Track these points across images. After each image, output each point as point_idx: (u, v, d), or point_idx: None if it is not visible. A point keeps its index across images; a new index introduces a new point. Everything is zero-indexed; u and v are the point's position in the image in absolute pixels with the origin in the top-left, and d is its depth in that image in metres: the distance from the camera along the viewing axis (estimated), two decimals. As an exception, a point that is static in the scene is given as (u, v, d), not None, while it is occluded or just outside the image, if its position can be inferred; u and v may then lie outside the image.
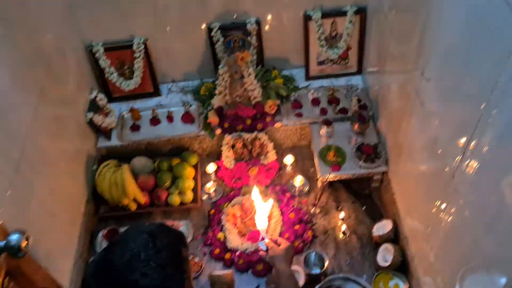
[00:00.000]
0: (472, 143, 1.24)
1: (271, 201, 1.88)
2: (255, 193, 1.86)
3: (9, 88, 1.56)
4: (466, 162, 1.29)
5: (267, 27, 2.30)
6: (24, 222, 1.49)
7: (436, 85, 1.48)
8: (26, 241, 1.09)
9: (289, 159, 2.26)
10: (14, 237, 1.07)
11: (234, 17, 2.23)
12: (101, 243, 2.06)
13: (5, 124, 1.49)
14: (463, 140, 1.29)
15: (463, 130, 1.28)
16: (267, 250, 1.66)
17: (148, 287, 0.85)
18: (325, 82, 2.44)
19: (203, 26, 2.26)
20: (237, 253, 1.97)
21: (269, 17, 2.26)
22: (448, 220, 1.47)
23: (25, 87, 1.68)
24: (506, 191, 1.08)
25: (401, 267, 1.89)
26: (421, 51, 1.57)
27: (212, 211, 2.14)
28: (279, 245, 1.65)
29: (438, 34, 1.43)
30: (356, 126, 2.15)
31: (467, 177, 1.29)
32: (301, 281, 1.86)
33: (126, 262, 0.87)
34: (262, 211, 1.79)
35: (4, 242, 1.07)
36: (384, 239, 1.94)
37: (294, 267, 1.90)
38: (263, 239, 1.68)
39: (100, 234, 2.08)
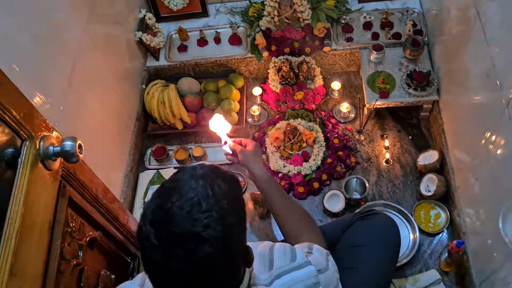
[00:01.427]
0: None
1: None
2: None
3: (60, 4, 1.58)
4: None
5: None
6: (77, 133, 1.57)
7: (500, 8, 1.37)
8: (79, 148, 1.15)
9: (336, 85, 2.21)
10: (67, 143, 1.13)
11: None
12: (150, 158, 2.15)
13: (57, 39, 1.53)
14: (506, 101, 1.21)
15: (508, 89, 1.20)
16: (233, 154, 1.51)
17: (211, 238, 0.82)
18: (380, 5, 2.31)
19: None
20: (280, 175, 2.01)
21: None
22: (497, 152, 1.42)
23: (75, 3, 1.69)
24: None
25: (443, 198, 1.88)
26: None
27: (256, 133, 2.17)
28: (245, 146, 1.50)
29: None
30: (408, 52, 2.05)
31: None
32: (342, 205, 1.90)
33: (186, 213, 0.83)
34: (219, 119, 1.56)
35: (59, 147, 1.14)
36: (429, 169, 1.92)
37: (335, 191, 1.92)
38: (226, 143, 1.51)
39: (149, 151, 2.17)
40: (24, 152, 1.07)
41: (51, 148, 1.14)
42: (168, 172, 2.08)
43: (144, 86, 2.24)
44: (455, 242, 1.60)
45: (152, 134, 2.23)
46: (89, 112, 1.74)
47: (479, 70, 1.56)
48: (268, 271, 1.08)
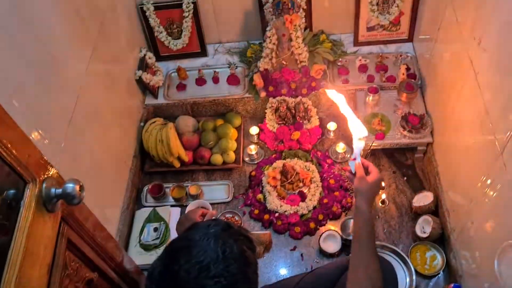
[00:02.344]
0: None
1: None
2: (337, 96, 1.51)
3: (65, 42, 1.62)
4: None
5: (317, -10, 2.25)
6: (76, 171, 1.58)
7: (493, 56, 1.43)
8: (80, 190, 1.15)
9: (332, 125, 2.25)
10: (70, 185, 1.14)
11: (285, -22, 2.19)
12: (146, 196, 2.15)
13: (61, 76, 1.55)
14: (509, 121, 1.25)
15: (502, 137, 1.24)
16: (354, 174, 1.39)
17: None
18: (374, 49, 2.38)
19: (253, -13, 2.24)
20: (276, 215, 2.02)
21: (320, -21, 2.21)
22: (493, 195, 1.44)
23: (80, 41, 1.73)
24: None
25: (439, 239, 1.89)
26: (479, 19, 1.51)
27: (253, 172, 2.19)
28: (368, 173, 1.38)
29: (499, 2, 1.37)
30: (403, 95, 2.11)
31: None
32: (338, 245, 1.90)
33: (194, 279, 0.81)
34: (358, 125, 1.43)
35: (61, 190, 1.15)
36: (424, 210, 1.93)
37: (332, 232, 1.93)
38: (354, 159, 1.39)
39: (146, 189, 2.17)
40: (27, 195, 1.08)
41: (53, 190, 1.14)
42: (164, 210, 2.08)
43: (142, 124, 2.26)
44: (451, 285, 1.61)
45: (149, 172, 2.24)
46: (88, 149, 1.75)
47: (472, 115, 1.60)
48: None
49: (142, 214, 2.09)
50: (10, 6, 1.30)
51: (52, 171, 1.20)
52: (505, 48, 1.34)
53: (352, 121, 1.44)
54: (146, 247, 1.98)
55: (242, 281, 0.84)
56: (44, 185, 1.13)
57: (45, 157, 1.18)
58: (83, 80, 1.71)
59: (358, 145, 1.41)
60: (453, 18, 1.76)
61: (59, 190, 1.15)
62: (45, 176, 1.15)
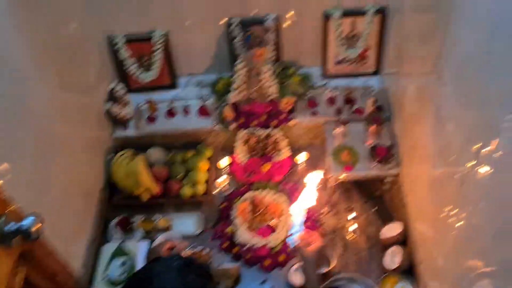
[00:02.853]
0: (485, 149, 1.23)
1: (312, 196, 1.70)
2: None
3: (30, 74, 1.60)
4: (478, 168, 1.28)
5: (286, 24, 2.30)
6: (40, 205, 1.53)
7: (453, 90, 1.47)
8: (39, 225, 1.12)
9: (302, 157, 2.27)
10: (27, 221, 1.11)
11: (254, 12, 2.24)
12: (114, 230, 2.11)
13: (25, 108, 1.53)
14: (476, 146, 1.28)
15: (477, 136, 1.27)
16: (297, 247, 1.57)
17: None
18: (342, 82, 2.43)
19: (223, 21, 2.27)
20: (245, 248, 1.99)
21: (288, 14, 2.26)
22: (458, 226, 1.46)
23: (46, 73, 1.72)
24: None
25: (409, 270, 1.90)
26: (440, 54, 1.56)
27: (223, 205, 2.17)
28: (310, 243, 1.55)
29: (458, 37, 1.42)
30: (371, 127, 2.15)
31: (478, 184, 1.29)
32: (308, 278, 1.88)
33: None
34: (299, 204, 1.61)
35: (18, 225, 1.11)
36: (392, 241, 1.94)
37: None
38: (292, 235, 1.56)
39: (113, 222, 2.12)
40: (-19, 230, 1.04)
41: (11, 225, 1.11)
42: (132, 244, 2.03)
43: (111, 156, 2.23)
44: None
45: (116, 205, 2.20)
46: (54, 182, 1.71)
47: (436, 146, 1.64)
48: None
49: (108, 248, 2.03)
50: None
51: (12, 207, 1.16)
52: (463, 82, 1.38)
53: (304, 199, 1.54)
54: (113, 283, 1.92)
55: None
56: (2, 219, 1.10)
57: (4, 193, 1.15)
58: (50, 112, 1.69)
59: (297, 221, 1.53)
60: (415, 53, 1.83)
61: (17, 226, 1.12)
62: (4, 211, 1.12)
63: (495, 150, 1.18)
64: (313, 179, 1.57)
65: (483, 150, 1.23)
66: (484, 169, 1.25)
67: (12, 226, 1.11)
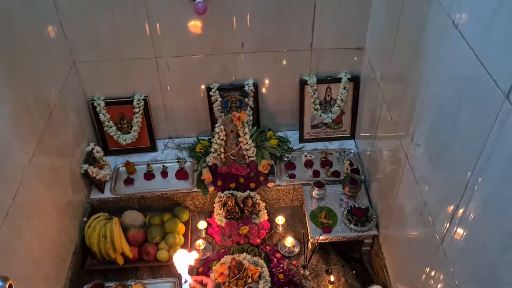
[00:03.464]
0: (460, 211, 1.26)
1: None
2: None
3: (9, 135, 1.59)
4: (454, 229, 1.31)
5: (264, 90, 2.38)
6: (8, 269, 1.48)
7: (425, 152, 1.53)
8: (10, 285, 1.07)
9: (280, 219, 2.26)
10: (-3, 284, 1.06)
11: (233, 79, 2.32)
12: (85, 297, 2.01)
13: (1, 169, 1.51)
14: (450, 207, 1.31)
15: (450, 197, 1.31)
16: None
17: None
18: (319, 145, 2.49)
19: (202, 86, 2.34)
20: (224, 314, 1.92)
21: (266, 80, 2.35)
22: (438, 287, 1.46)
23: (25, 135, 1.71)
24: (494, 259, 1.09)
25: (391, 335, 1.85)
26: (411, 118, 1.64)
27: (201, 268, 2.11)
28: (205, 286, 1.50)
29: (427, 102, 1.50)
30: (347, 189, 2.18)
31: (455, 244, 1.31)
32: None
33: None
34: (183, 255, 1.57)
35: (-12, 289, 1.06)
36: (374, 305, 1.91)
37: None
38: (186, 281, 1.47)
39: (85, 288, 2.03)
40: None
41: (-22, 288, 1.06)
42: (104, 313, 1.94)
43: (85, 219, 2.18)
44: None
45: (90, 270, 2.11)
46: (23, 244, 1.64)
47: (412, 207, 1.67)
48: None
49: (79, 318, 1.93)
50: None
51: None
52: (434, 145, 1.44)
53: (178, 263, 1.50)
54: None
55: None
56: (-32, 283, 1.05)
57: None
58: (25, 173, 1.66)
59: (184, 269, 1.48)
60: (388, 117, 1.91)
61: (-15, 290, 1.07)
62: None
63: (468, 212, 1.22)
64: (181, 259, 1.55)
65: (458, 212, 1.27)
66: (459, 230, 1.28)
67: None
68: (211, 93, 2.32)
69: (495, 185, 1.07)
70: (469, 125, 1.20)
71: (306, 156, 2.39)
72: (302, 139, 2.50)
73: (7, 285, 1.07)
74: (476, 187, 1.17)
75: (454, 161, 1.30)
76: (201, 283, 1.49)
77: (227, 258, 2.10)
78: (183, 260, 1.47)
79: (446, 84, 1.34)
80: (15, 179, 1.60)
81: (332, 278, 2.06)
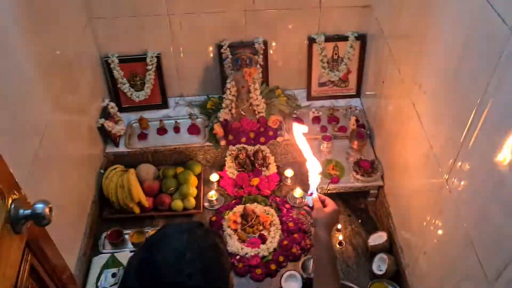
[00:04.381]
0: (459, 162, 1.37)
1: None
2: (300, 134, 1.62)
3: (32, 87, 1.66)
4: (454, 179, 1.41)
5: (273, 48, 2.44)
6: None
7: (432, 97, 1.61)
8: (50, 210, 1.16)
9: (289, 172, 2.35)
10: (39, 206, 1.14)
11: (244, 37, 2.38)
12: (104, 242, 2.11)
13: (26, 117, 1.58)
14: (451, 158, 1.41)
15: (449, 151, 1.40)
16: (312, 207, 1.53)
17: (194, 287, 0.83)
18: (326, 103, 2.57)
19: (214, 44, 2.40)
20: (237, 258, 2.03)
21: (276, 39, 2.41)
22: (439, 233, 1.57)
23: (46, 87, 1.77)
24: (490, 206, 1.20)
25: (395, 276, 1.96)
26: (418, 68, 1.71)
27: (214, 217, 2.21)
28: (325, 206, 1.52)
29: (436, 50, 1.57)
30: (354, 143, 2.26)
31: (455, 192, 1.41)
32: (299, 285, 1.93)
33: (171, 264, 0.85)
34: (313, 163, 1.59)
35: (30, 210, 1.15)
36: (379, 249, 2.02)
37: (293, 272, 1.96)
38: (311, 194, 1.53)
39: (104, 235, 2.13)
40: (-5, 211, 1.07)
41: (21, 211, 1.14)
42: (123, 256, 2.04)
43: (102, 171, 2.27)
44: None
45: (107, 219, 2.21)
46: (49, 190, 1.73)
47: (418, 155, 1.75)
48: None
49: (99, 261, 2.04)
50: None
51: (21, 194, 1.20)
52: (442, 87, 1.52)
53: (309, 159, 1.57)
54: (104, 293, 1.92)
55: (216, 266, 0.89)
56: (12, 205, 1.13)
57: (15, 179, 1.19)
58: (48, 120, 1.73)
59: (314, 181, 1.55)
60: (395, 70, 1.97)
61: (28, 211, 1.15)
62: (14, 196, 1.15)
63: (467, 162, 1.33)
64: (299, 132, 1.56)
65: (458, 164, 1.37)
66: (457, 182, 1.38)
67: (24, 211, 1.14)
68: (222, 50, 2.38)
69: (500, 118, 1.16)
70: (476, 63, 1.27)
71: (313, 112, 2.47)
72: (309, 97, 2.57)
73: (48, 208, 1.16)
74: (483, 117, 1.24)
75: (460, 100, 1.38)
76: (323, 202, 1.51)
77: (239, 208, 2.20)
78: (314, 167, 1.51)
79: (455, 27, 1.42)
80: (40, 128, 1.67)
81: (339, 226, 2.17)
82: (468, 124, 1.30)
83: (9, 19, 1.51)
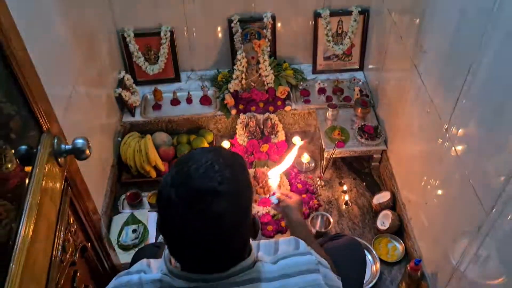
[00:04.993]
0: (452, 129, 1.53)
1: (288, 161, 1.84)
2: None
3: (63, 55, 1.79)
4: (453, 127, 1.55)
5: (280, 23, 2.57)
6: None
7: (432, 56, 1.74)
8: (89, 146, 1.28)
9: (297, 139, 2.48)
10: (79, 141, 1.27)
11: (253, 12, 2.51)
12: (123, 203, 2.24)
13: (59, 72, 1.71)
14: (450, 107, 1.55)
15: (454, 89, 1.53)
16: (278, 203, 1.70)
17: (225, 192, 0.91)
18: (331, 76, 2.69)
19: (224, 19, 2.53)
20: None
21: (283, 13, 2.54)
22: (439, 181, 1.70)
23: (72, 56, 1.90)
24: (486, 167, 1.33)
25: (398, 231, 2.09)
26: (419, 32, 1.84)
27: (226, 181, 2.33)
28: (290, 198, 1.69)
29: (432, 20, 1.71)
30: (358, 110, 2.39)
31: (454, 139, 1.54)
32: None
33: (202, 173, 0.93)
34: (277, 169, 1.83)
35: (71, 145, 1.27)
36: (383, 206, 2.15)
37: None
38: (274, 193, 1.72)
39: (123, 196, 2.26)
40: (43, 143, 1.19)
41: (63, 146, 1.26)
42: (142, 213, 2.17)
43: (120, 139, 2.39)
44: (413, 260, 1.79)
45: (125, 183, 2.34)
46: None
47: (415, 126, 1.92)
48: (274, 255, 1.15)
49: (120, 219, 2.16)
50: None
51: (62, 131, 1.33)
52: (440, 46, 1.65)
53: (275, 170, 1.80)
54: (125, 248, 2.04)
55: (241, 176, 0.99)
56: (56, 140, 1.25)
57: (57, 118, 1.32)
58: (73, 88, 1.85)
59: (275, 181, 1.79)
60: (397, 37, 2.10)
61: (69, 146, 1.27)
62: (57, 133, 1.28)
63: (458, 130, 1.49)
64: (297, 144, 1.80)
65: (452, 130, 1.52)
66: (452, 146, 1.53)
67: (65, 146, 1.26)
68: (232, 24, 2.50)
69: (492, 68, 1.29)
70: (471, 24, 1.41)
71: (319, 84, 2.59)
72: (315, 70, 2.70)
73: (87, 143, 1.28)
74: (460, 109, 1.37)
75: (458, 55, 1.51)
76: (286, 196, 1.68)
77: (250, 171, 2.32)
78: (274, 178, 1.75)
79: (448, 16, 1.57)
80: (66, 96, 1.80)
81: (345, 188, 2.30)
82: (466, 74, 1.43)
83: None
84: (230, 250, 0.95)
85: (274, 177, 1.80)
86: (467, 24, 1.45)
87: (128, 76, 2.49)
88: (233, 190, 0.95)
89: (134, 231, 2.09)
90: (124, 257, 1.98)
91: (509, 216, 1.22)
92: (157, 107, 2.54)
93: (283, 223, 2.13)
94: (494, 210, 1.30)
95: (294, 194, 1.71)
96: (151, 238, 2.10)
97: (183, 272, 0.98)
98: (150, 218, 2.16)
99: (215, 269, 0.96)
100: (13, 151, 1.07)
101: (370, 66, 2.63)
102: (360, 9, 2.51)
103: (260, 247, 1.21)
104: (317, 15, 2.52)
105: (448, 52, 1.60)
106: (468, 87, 1.43)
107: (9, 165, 1.06)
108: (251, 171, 2.32)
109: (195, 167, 0.96)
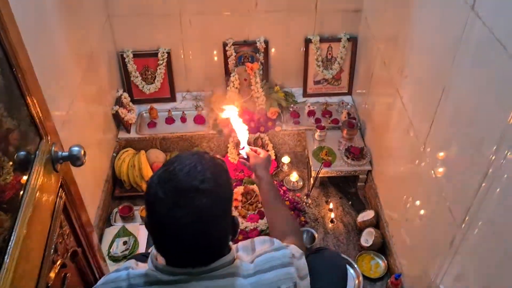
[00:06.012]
0: (433, 130, 1.62)
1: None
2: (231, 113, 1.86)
3: (63, 71, 1.90)
4: (429, 148, 1.64)
5: (273, 49, 2.69)
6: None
7: (410, 81, 1.85)
8: (84, 153, 1.36)
9: (286, 159, 2.57)
10: (75, 149, 1.35)
11: (247, 37, 2.63)
12: (116, 217, 2.30)
13: (59, 87, 1.80)
14: (427, 127, 1.65)
15: (427, 118, 1.64)
16: (247, 159, 1.76)
17: (206, 190, 1.01)
18: (320, 100, 2.80)
19: (219, 42, 2.65)
20: (238, 231, 2.22)
21: (276, 39, 2.66)
22: (418, 199, 1.79)
23: (72, 73, 2.00)
24: (457, 185, 1.43)
25: (381, 248, 2.16)
26: (401, 58, 1.96)
27: (216, 197, 2.40)
28: (258, 154, 1.76)
29: (415, 58, 1.83)
30: (345, 131, 2.48)
31: (433, 178, 1.63)
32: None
33: (186, 173, 1.03)
34: (240, 124, 1.84)
35: (67, 152, 1.35)
36: (367, 224, 2.22)
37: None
38: (243, 148, 1.77)
39: (116, 210, 2.32)
40: (41, 149, 1.27)
41: (59, 152, 1.35)
42: (133, 227, 2.23)
43: (115, 154, 2.47)
44: (393, 275, 1.85)
45: (119, 196, 2.41)
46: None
47: (400, 149, 2.01)
48: (251, 254, 1.23)
49: (111, 231, 2.22)
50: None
51: (59, 139, 1.41)
52: (418, 72, 1.77)
53: (236, 123, 1.84)
54: (115, 259, 2.10)
55: (222, 176, 1.08)
56: (53, 147, 1.34)
57: (55, 126, 1.40)
58: (71, 105, 1.94)
59: (244, 136, 1.81)
60: (382, 63, 2.22)
61: (66, 153, 1.36)
62: (54, 140, 1.36)
63: (434, 151, 1.59)
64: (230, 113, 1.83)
65: (428, 150, 1.63)
66: (434, 168, 1.61)
67: (61, 153, 1.35)
68: (227, 48, 2.62)
69: (463, 91, 1.39)
70: (444, 49, 1.52)
71: (309, 106, 2.70)
72: (305, 94, 2.81)
73: (82, 151, 1.37)
74: (450, 94, 1.48)
75: (432, 80, 1.62)
76: (255, 152, 1.76)
77: (240, 188, 2.40)
78: (241, 129, 1.76)
79: (427, 45, 1.69)
80: (71, 94, 1.89)
81: (331, 205, 2.37)
82: (439, 99, 1.53)
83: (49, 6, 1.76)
84: (211, 244, 1.04)
85: (242, 132, 1.81)
86: (439, 50, 1.57)
87: (125, 95, 2.60)
88: (213, 188, 1.04)
89: (124, 242, 2.15)
90: (114, 268, 2.04)
91: (476, 230, 1.31)
92: (152, 124, 2.64)
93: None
94: (463, 225, 1.38)
95: (262, 150, 1.79)
96: (141, 251, 2.16)
97: (168, 266, 1.07)
98: (141, 231, 2.22)
99: (198, 263, 1.05)
100: (11, 163, 1.12)
101: (358, 91, 2.74)
102: (348, 36, 2.64)
103: (239, 248, 1.29)
104: (308, 41, 2.65)
105: (424, 77, 1.71)
106: (442, 109, 1.54)
107: (7, 177, 1.11)
108: (241, 188, 2.40)
109: (180, 168, 1.06)
